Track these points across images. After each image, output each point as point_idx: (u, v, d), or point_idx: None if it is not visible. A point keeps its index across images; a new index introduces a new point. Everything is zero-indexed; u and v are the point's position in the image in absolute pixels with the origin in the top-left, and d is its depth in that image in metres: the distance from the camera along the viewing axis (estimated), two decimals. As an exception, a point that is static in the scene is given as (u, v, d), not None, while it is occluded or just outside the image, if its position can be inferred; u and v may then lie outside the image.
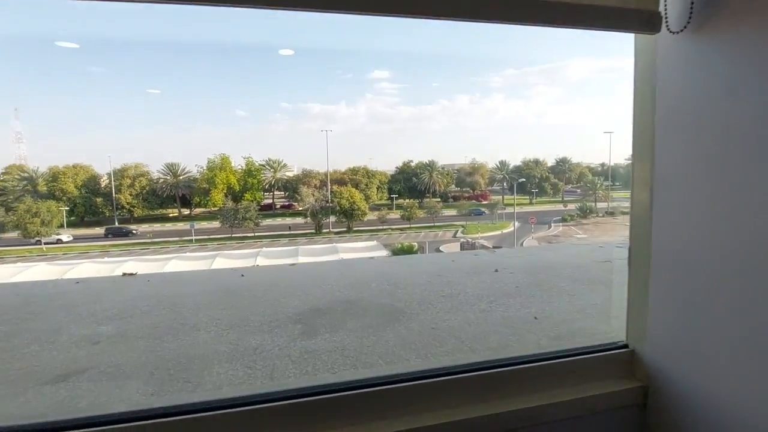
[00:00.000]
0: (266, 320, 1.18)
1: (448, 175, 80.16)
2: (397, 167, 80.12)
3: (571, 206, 63.53)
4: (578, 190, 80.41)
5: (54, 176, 62.97)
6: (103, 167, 71.34)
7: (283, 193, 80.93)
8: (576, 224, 54.14)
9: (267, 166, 75.35)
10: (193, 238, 49.08)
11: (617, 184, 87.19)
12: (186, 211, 73.64)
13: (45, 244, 46.76)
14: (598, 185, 66.68)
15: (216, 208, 63.64)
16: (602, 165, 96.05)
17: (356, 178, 68.71)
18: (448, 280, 1.57)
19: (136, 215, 65.89)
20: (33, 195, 57.73)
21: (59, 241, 51.85)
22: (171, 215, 73.26)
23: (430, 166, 75.86)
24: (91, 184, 64.88)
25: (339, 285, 1.49)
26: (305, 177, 72.30)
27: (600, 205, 63.56)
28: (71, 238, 50.91)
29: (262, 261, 28.70)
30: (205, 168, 70.21)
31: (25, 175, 66.00)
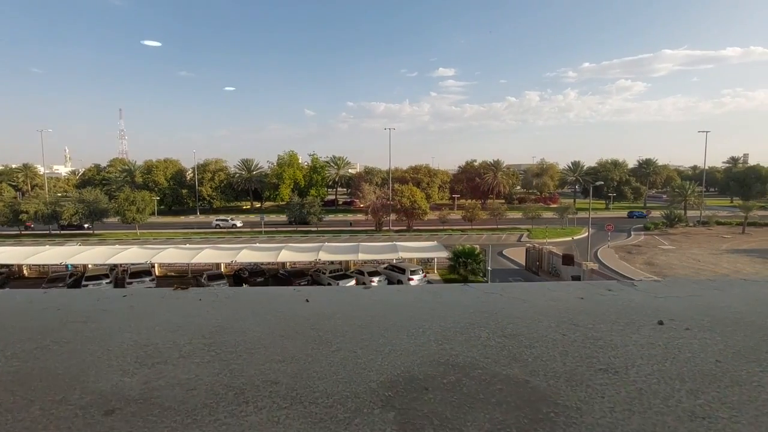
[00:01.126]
0: (340, 394, 0.82)
1: (513, 175, 76.59)
2: (459, 167, 78.33)
3: (656, 213, 57.23)
4: (664, 196, 72.45)
5: (148, 169, 70.68)
6: (188, 162, 78.85)
7: (345, 189, 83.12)
8: (661, 233, 48.58)
9: (331, 163, 77.77)
10: (263, 229, 51.94)
11: (712, 189, 77.16)
12: (257, 204, 78.66)
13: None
14: (689, 191, 59.27)
15: (283, 202, 67.01)
16: (694, 168, 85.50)
17: (418, 176, 68.22)
18: (591, 334, 1.06)
19: (215, 206, 71.73)
20: (131, 185, 65.27)
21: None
22: (244, 207, 78.69)
23: (494, 166, 73.02)
24: (178, 177, 71.82)
25: (434, 330, 1.06)
26: (367, 174, 73.39)
27: (690, 213, 56.45)
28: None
29: (323, 255, 29.44)
30: (275, 164, 74.39)
31: (125, 167, 74.89)
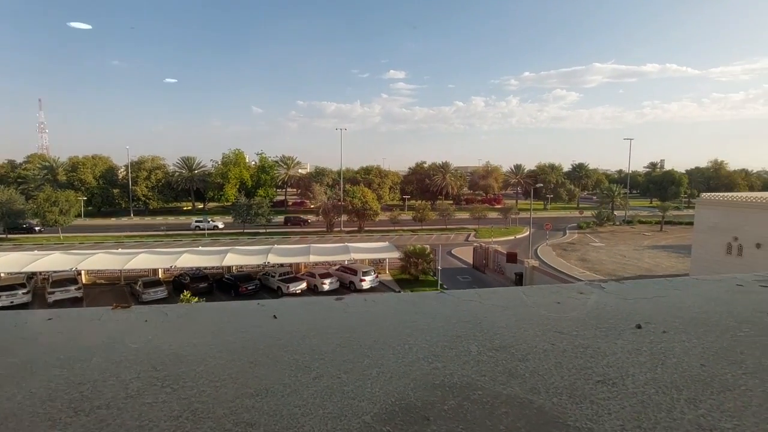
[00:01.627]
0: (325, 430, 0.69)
1: (461, 177, 79.31)
2: (410, 168, 79.60)
3: (588, 213, 62.03)
4: (594, 197, 78.78)
5: (73, 166, 63.92)
6: (121, 159, 72.59)
7: (295, 190, 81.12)
8: (592, 232, 52.73)
9: (280, 163, 75.52)
10: (206, 231, 49.17)
11: (635, 191, 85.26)
12: (200, 205, 74.30)
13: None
14: (616, 193, 64.93)
15: (229, 203, 63.86)
16: (620, 172, 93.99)
17: (369, 177, 68.32)
18: (579, 342, 1.03)
19: (151, 207, 66.55)
20: (53, 184, 58.65)
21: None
22: (185, 208, 73.92)
23: (443, 168, 75.10)
24: (109, 176, 65.72)
25: (420, 345, 0.97)
26: (318, 175, 72.20)
27: (617, 213, 61.90)
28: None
29: (273, 258, 28.44)
30: (219, 162, 70.72)
31: (46, 164, 67.24)
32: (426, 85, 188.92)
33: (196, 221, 53.57)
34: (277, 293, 26.87)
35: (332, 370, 0.91)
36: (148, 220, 62.71)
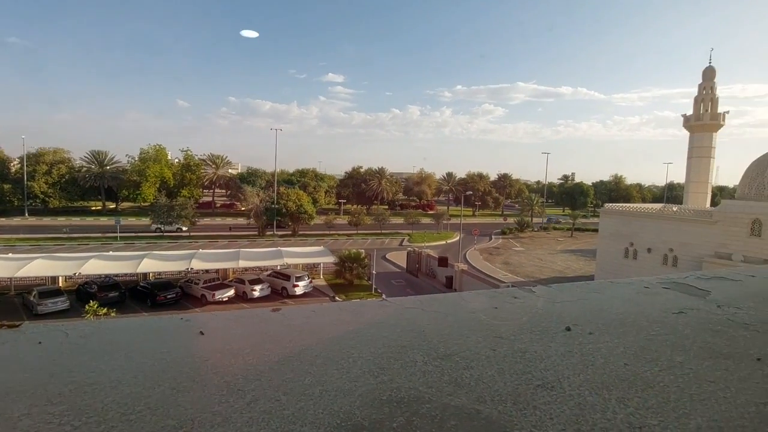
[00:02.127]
0: None
1: (396, 183, 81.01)
2: (346, 172, 79.41)
3: (511, 220, 66.83)
4: (516, 205, 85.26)
5: (-54, 156, 53.93)
6: (15, 150, 62.75)
7: (224, 191, 76.49)
8: (514, 237, 56.92)
9: (208, 162, 70.79)
10: (118, 234, 44.34)
11: (551, 201, 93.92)
12: (111, 205, 66.73)
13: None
14: (535, 201, 70.90)
15: (147, 204, 58.12)
16: (538, 183, 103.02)
17: (305, 180, 66.88)
18: (517, 347, 1.06)
19: (51, 206, 58.17)
20: None
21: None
22: (93, 208, 65.86)
23: (379, 174, 76.11)
24: (-3, 168, 56.39)
25: (365, 358, 0.93)
26: (250, 176, 68.90)
27: (535, 220, 67.56)
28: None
29: (197, 263, 26.46)
30: (136, 159, 64.28)
31: None
32: (364, 91, 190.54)
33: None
34: (201, 301, 25.01)
35: (270, 391, 0.82)
36: (47, 220, 54.94)
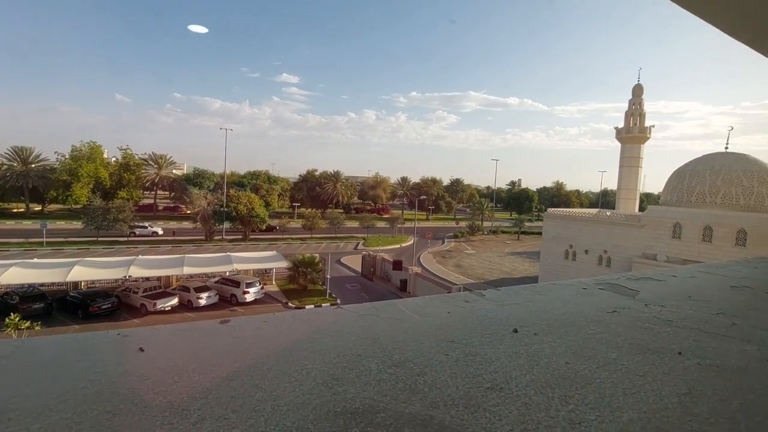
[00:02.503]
0: None
1: (351, 186, 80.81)
2: (300, 175, 77.92)
3: (463, 223, 69.03)
4: (468, 209, 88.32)
5: None
6: None
7: (168, 193, 71.99)
8: (465, 241, 58.85)
9: (150, 162, 66.34)
10: (45, 240, 40.21)
11: (499, 205, 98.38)
12: (37, 207, 60.39)
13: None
14: (485, 206, 73.86)
15: (79, 206, 53.21)
16: (488, 188, 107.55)
17: (257, 182, 64.72)
18: (469, 350, 1.10)
19: (-41, 208, 51.47)
20: None
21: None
22: (15, 211, 59.20)
23: (334, 177, 75.50)
24: None
25: (318, 369, 0.91)
26: (197, 177, 65.49)
27: (485, 224, 70.35)
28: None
29: (136, 271, 24.63)
30: (67, 157, 58.73)
31: None
32: (320, 93, 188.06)
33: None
34: (140, 311, 23.30)
35: (217, 410, 0.78)
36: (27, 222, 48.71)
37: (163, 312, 23.29)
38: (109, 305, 22.76)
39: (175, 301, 24.07)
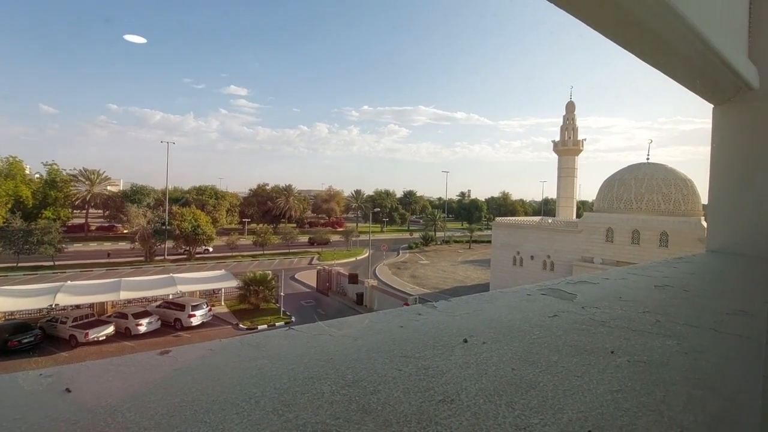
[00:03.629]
0: None
1: (304, 200, 79.55)
2: (251, 189, 75.46)
3: (416, 234, 70.23)
4: (421, 221, 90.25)
5: None
6: None
7: (102, 212, 66.40)
8: (420, 251, 59.88)
9: (80, 178, 60.95)
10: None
11: (451, 216, 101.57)
12: (-61, 231, 52.95)
13: None
14: (437, 216, 75.75)
15: (-7, 228, 47.38)
16: (440, 199, 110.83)
17: (202, 198, 61.64)
18: (421, 364, 1.12)
19: None
20: None
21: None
22: None
23: (286, 191, 73.93)
24: None
25: (269, 396, 0.88)
26: (135, 194, 61.08)
27: (438, 234, 72.13)
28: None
29: (64, 299, 22.33)
30: (-21, 174, 52.37)
31: None
32: (270, 106, 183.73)
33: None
34: (70, 343, 21.07)
35: None
36: None
37: (96, 342, 21.23)
38: (32, 339, 20.35)
39: (110, 329, 22.05)
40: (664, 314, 1.76)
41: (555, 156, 43.52)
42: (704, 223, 26.97)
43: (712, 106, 3.52)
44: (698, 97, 3.39)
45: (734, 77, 2.71)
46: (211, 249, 49.26)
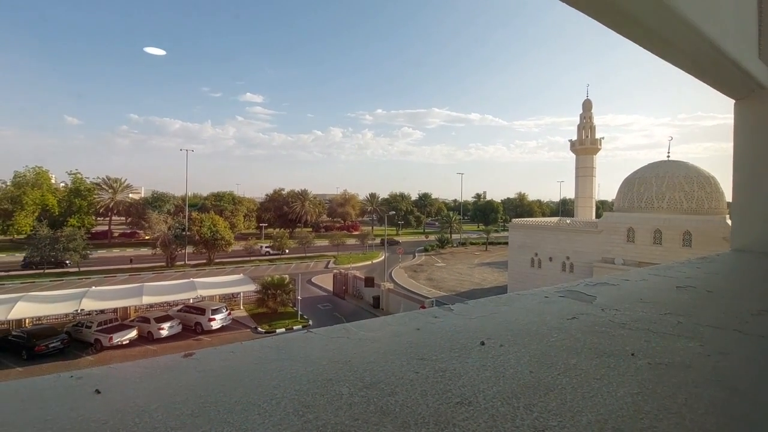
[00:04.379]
0: None
1: (320, 204, 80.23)
2: (267, 195, 76.57)
3: (432, 237, 69.90)
4: (436, 223, 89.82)
5: None
6: None
7: (124, 219, 68.44)
8: (436, 254, 59.56)
9: (103, 186, 62.97)
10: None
11: (466, 217, 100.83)
12: (-27, 240, 55.48)
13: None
14: (453, 219, 75.28)
15: (22, 236, 49.38)
16: (455, 201, 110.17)
17: (221, 204, 62.87)
18: (438, 366, 1.13)
19: None
20: None
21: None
22: (-54, 244, 54.07)
23: (302, 195, 74.72)
24: None
25: (289, 397, 0.91)
26: (156, 201, 62.76)
27: (454, 236, 71.63)
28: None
29: (88, 304, 23.02)
30: (8, 183, 54.74)
31: None
32: (285, 112, 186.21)
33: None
34: (95, 347, 21.71)
35: None
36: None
37: (120, 347, 21.82)
38: (58, 343, 21.06)
39: (133, 333, 22.64)
40: (686, 315, 1.72)
41: (572, 155, 42.76)
42: (729, 222, 26.09)
43: (734, 101, 3.42)
44: (718, 92, 3.31)
45: (745, 77, 2.65)
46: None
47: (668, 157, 34.06)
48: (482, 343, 1.39)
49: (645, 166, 34.02)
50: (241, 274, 32.84)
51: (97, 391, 0.99)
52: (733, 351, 1.36)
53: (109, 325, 22.95)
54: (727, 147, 3.34)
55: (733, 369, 1.22)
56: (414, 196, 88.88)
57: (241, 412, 0.91)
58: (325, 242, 58.45)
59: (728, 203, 29.74)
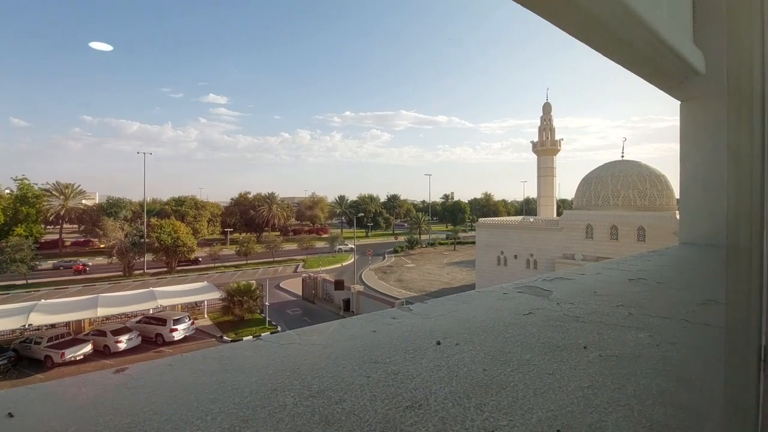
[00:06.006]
0: None
1: (288, 208, 78.70)
2: (232, 199, 74.27)
3: (401, 238, 70.27)
4: (406, 224, 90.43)
5: None
6: None
7: (77, 226, 64.22)
8: (405, 255, 59.93)
9: (54, 192, 58.85)
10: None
11: (435, 218, 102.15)
12: None
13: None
14: (422, 220, 76.07)
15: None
16: (423, 202, 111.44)
17: (182, 209, 60.30)
18: (391, 369, 1.08)
19: None
20: None
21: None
22: None
23: (269, 199, 73.02)
24: None
25: (226, 412, 0.83)
26: (111, 207, 59.30)
27: (423, 237, 72.38)
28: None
29: (37, 318, 21.42)
30: (-57, 191, 50.03)
31: None
32: (250, 114, 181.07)
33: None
34: (46, 364, 20.22)
35: None
36: None
37: (74, 362, 20.43)
38: (5, 361, 19.45)
39: (88, 348, 21.26)
40: (637, 307, 1.78)
41: (534, 156, 44.33)
42: (678, 217, 27.88)
43: (679, 103, 3.62)
44: (666, 94, 3.48)
45: (680, 62, 2.79)
46: (200, 259, 48.49)
47: (623, 157, 35.99)
48: (438, 343, 1.37)
49: (601, 165, 35.79)
50: (205, 282, 31.66)
51: (10, 415, 0.88)
52: (680, 340, 1.40)
53: (61, 340, 21.42)
54: (676, 147, 3.53)
55: (680, 358, 1.26)
56: (383, 198, 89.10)
57: (170, 431, 0.82)
58: (293, 246, 57.38)
59: (677, 200, 31.81)
